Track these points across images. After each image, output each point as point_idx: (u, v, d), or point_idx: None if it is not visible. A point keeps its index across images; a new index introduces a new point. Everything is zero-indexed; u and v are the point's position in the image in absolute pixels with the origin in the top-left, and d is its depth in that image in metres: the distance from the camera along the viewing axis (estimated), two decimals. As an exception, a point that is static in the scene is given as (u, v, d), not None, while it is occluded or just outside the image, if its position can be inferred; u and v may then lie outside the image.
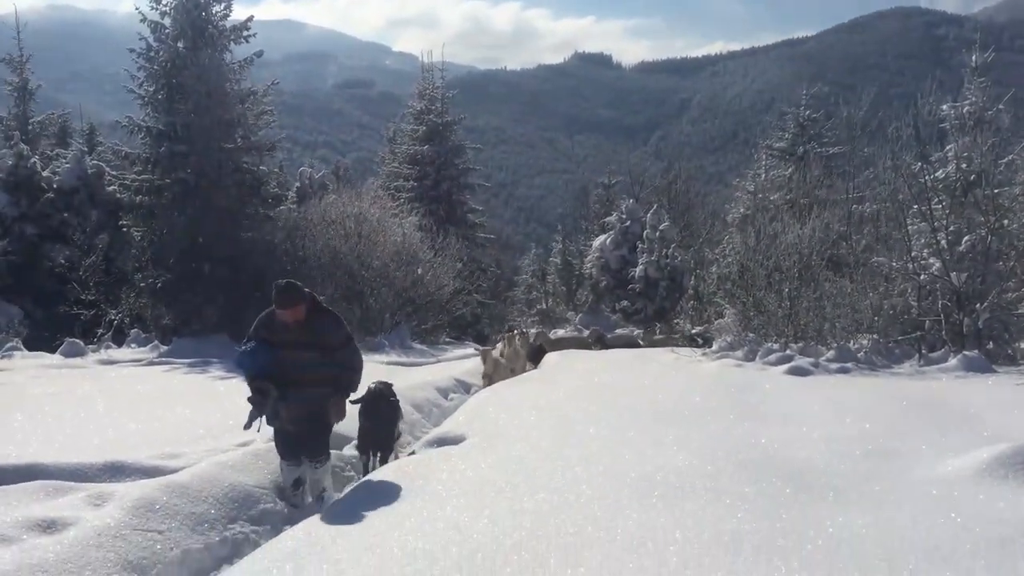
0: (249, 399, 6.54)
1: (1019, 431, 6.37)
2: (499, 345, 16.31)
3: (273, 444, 7.06)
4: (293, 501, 6.82)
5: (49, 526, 5.17)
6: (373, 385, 8.20)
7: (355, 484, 6.93)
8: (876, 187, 19.16)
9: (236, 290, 21.55)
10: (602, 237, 36.69)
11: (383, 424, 7.90)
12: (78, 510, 5.54)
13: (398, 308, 25.51)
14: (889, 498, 4.76)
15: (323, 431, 6.95)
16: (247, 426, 6.63)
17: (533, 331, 22.80)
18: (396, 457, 7.87)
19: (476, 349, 14.97)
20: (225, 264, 22.35)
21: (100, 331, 21.30)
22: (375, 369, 16.68)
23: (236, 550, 5.75)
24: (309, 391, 6.60)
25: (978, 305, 13.59)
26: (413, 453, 7.78)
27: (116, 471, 6.61)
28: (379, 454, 7.90)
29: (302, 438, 6.76)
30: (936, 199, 14.97)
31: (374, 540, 4.56)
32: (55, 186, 26.06)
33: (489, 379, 14.02)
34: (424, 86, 39.53)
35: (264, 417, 6.62)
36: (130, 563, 5.00)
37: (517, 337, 16.75)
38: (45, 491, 5.91)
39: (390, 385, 8.41)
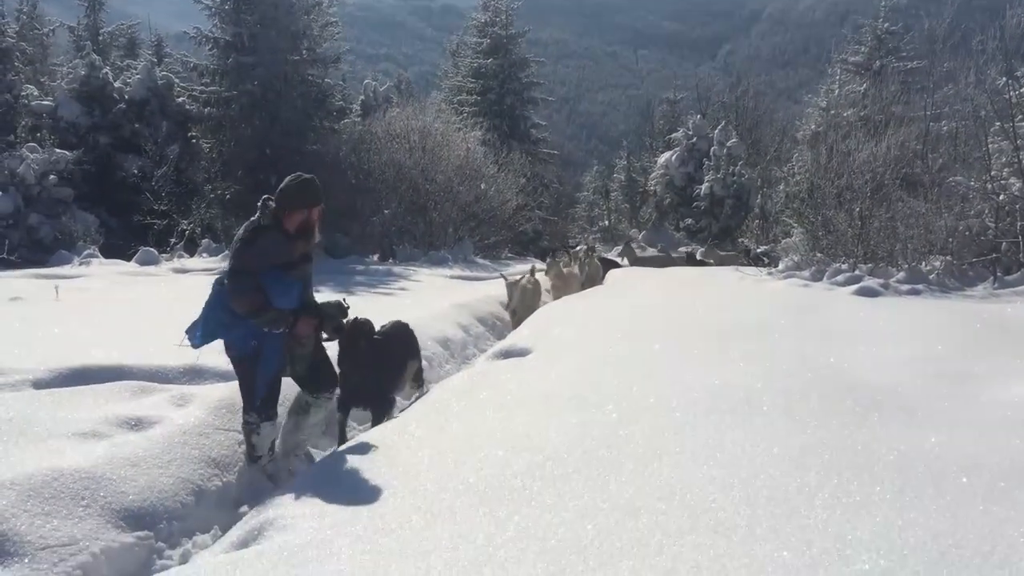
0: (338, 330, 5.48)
1: (1099, 356, 6.23)
2: (525, 277, 12.52)
3: None
4: (270, 469, 5.49)
5: (137, 423, 5.42)
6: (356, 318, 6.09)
7: (328, 453, 5.74)
8: (956, 104, 18.45)
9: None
10: (667, 154, 36.17)
11: (365, 370, 5.89)
12: (162, 409, 5.78)
13: (461, 223, 25.64)
14: (962, 418, 4.72)
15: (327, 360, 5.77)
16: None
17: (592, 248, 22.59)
18: (389, 418, 6.16)
19: (503, 276, 12.74)
20: (292, 176, 22.61)
21: (172, 240, 21.83)
22: (439, 282, 16.90)
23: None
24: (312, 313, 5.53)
25: (1059, 227, 13.16)
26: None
27: (195, 374, 6.84)
28: (370, 411, 6.18)
29: (321, 365, 5.64)
30: (1020, 116, 14.39)
31: (447, 446, 4.69)
32: (126, 97, 26.42)
33: (515, 313, 11.47)
34: (488, -3, 38.92)
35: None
36: (213, 459, 5.25)
37: (582, 255, 16.15)
38: (131, 391, 6.18)
39: (369, 321, 6.11)
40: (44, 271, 16.30)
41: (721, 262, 19.85)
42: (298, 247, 5.24)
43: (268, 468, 5.43)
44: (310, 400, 5.62)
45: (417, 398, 6.85)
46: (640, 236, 34.72)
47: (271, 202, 5.19)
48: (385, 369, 6.17)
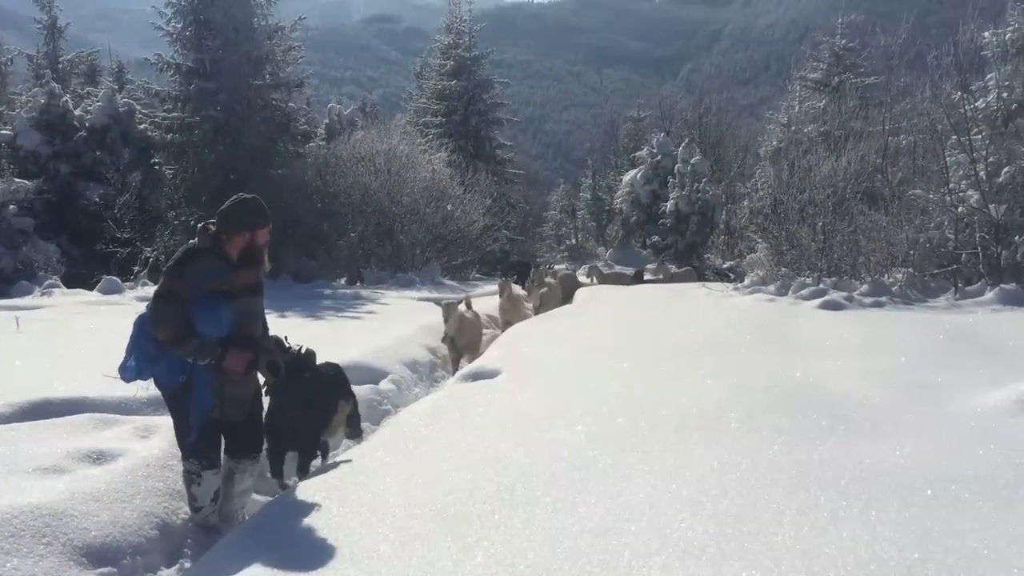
0: (268, 366, 5.03)
1: (1058, 364, 6.33)
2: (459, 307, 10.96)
3: None
4: (212, 520, 5.03)
5: (99, 457, 5.31)
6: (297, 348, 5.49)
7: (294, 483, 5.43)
8: (913, 118, 18.79)
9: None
10: (632, 172, 36.47)
11: (300, 407, 5.43)
12: (125, 442, 5.68)
13: (428, 244, 25.58)
14: (927, 430, 4.76)
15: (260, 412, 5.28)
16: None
17: (561, 268, 22.45)
18: (323, 461, 5.90)
19: (437, 303, 11.46)
20: (257, 202, 22.46)
21: (136, 268, 21.54)
22: (407, 305, 16.82)
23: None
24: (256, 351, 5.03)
25: (1016, 237, 13.37)
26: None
27: (159, 404, 6.64)
28: (297, 454, 5.68)
29: (249, 424, 5.09)
30: (975, 129, 14.66)
31: (416, 471, 4.65)
32: (87, 124, 26.13)
33: (452, 342, 10.48)
34: (451, 20, 39.07)
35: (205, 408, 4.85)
36: (178, 492, 5.14)
37: (532, 277, 15.30)
38: (93, 423, 6.07)
39: (313, 353, 5.62)
40: (4, 303, 15.99)
41: (671, 279, 19.56)
42: (240, 275, 4.81)
43: (211, 519, 4.98)
44: (232, 466, 5.05)
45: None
46: (607, 254, 34.89)
47: (211, 226, 4.84)
48: (316, 408, 5.61)
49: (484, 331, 13.49)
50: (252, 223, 4.82)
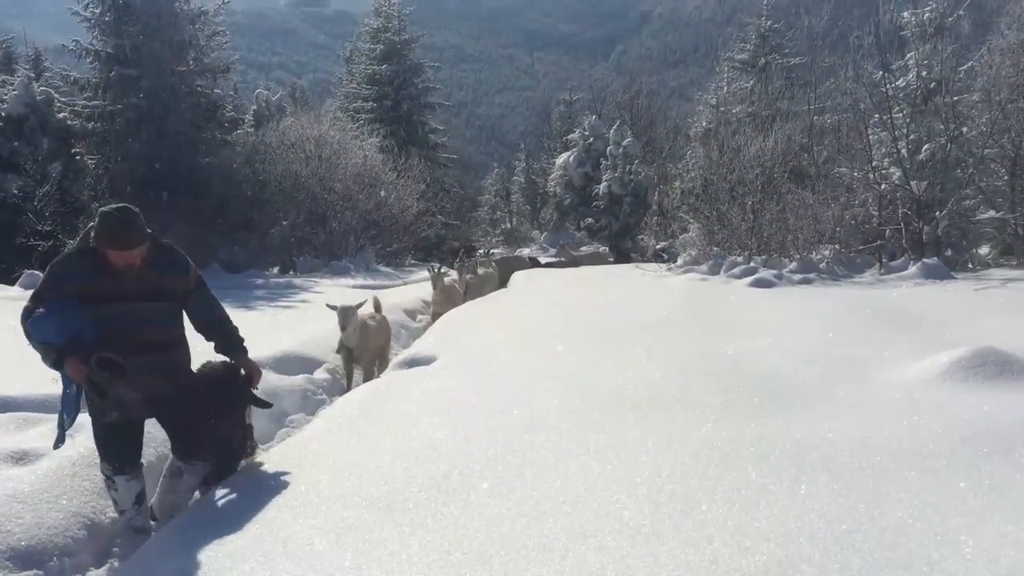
0: (90, 383, 4.30)
1: (977, 335, 6.51)
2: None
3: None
4: (138, 522, 4.73)
5: (22, 457, 5.16)
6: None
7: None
8: (837, 97, 19.21)
9: (197, 217, 21.26)
10: (565, 155, 36.61)
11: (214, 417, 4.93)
12: (50, 441, 5.50)
13: (362, 231, 25.39)
14: (854, 404, 4.87)
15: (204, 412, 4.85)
16: (59, 441, 4.65)
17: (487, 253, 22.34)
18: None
19: (329, 306, 8.78)
20: (184, 191, 22.03)
21: (59, 262, 20.95)
22: (343, 293, 16.65)
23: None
24: (160, 358, 4.59)
25: (937, 213, 13.78)
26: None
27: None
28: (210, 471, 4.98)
29: (187, 424, 4.77)
30: (897, 108, 15.03)
31: (350, 460, 4.60)
32: (3, 114, 25.22)
33: (350, 354, 8.57)
34: (380, 3, 38.62)
35: (88, 409, 4.59)
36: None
37: (456, 265, 15.06)
38: (15, 423, 5.90)
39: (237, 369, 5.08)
40: (-80, 300, 15.42)
41: (575, 263, 19.35)
42: (103, 280, 4.34)
43: (136, 522, 4.71)
44: (182, 466, 4.79)
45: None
46: (542, 237, 34.99)
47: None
48: (228, 415, 5.06)
49: (419, 316, 13.51)
50: (99, 238, 4.27)
